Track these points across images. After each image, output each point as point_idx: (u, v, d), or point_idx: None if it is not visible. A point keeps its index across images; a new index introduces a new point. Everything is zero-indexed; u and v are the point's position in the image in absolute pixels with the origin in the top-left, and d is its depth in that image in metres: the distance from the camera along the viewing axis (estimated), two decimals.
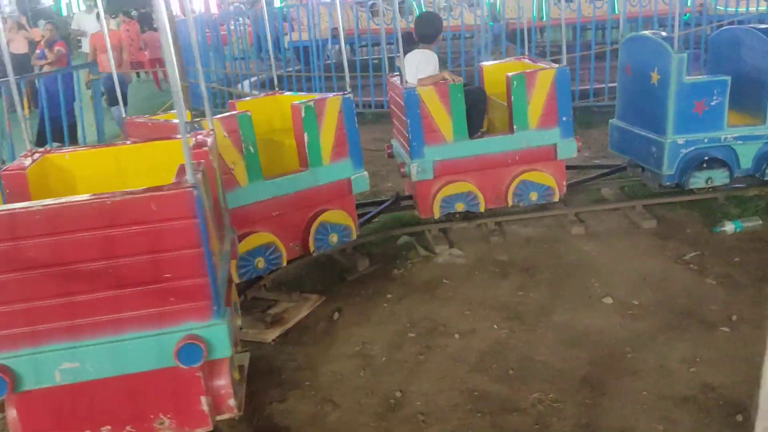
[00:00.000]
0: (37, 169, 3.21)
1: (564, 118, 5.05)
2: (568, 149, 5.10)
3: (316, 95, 4.68)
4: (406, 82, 4.93)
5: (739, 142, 5.23)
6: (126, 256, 2.58)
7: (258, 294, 4.42)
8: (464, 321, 4.03)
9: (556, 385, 3.36)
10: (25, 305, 2.55)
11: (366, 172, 4.71)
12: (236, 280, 4.14)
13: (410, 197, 5.55)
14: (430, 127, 4.88)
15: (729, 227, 4.90)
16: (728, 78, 5.11)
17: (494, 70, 5.77)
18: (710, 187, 5.35)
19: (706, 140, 5.19)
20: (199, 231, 2.61)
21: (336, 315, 4.20)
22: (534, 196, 5.15)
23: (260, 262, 4.28)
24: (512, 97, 4.96)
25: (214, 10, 12.35)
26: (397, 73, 5.28)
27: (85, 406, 2.75)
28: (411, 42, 5.18)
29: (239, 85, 9.97)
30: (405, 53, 5.06)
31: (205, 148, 3.16)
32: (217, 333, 2.72)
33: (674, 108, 5.09)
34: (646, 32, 5.65)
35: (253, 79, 9.84)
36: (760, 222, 4.95)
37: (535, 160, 5.10)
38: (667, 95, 5.09)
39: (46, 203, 2.52)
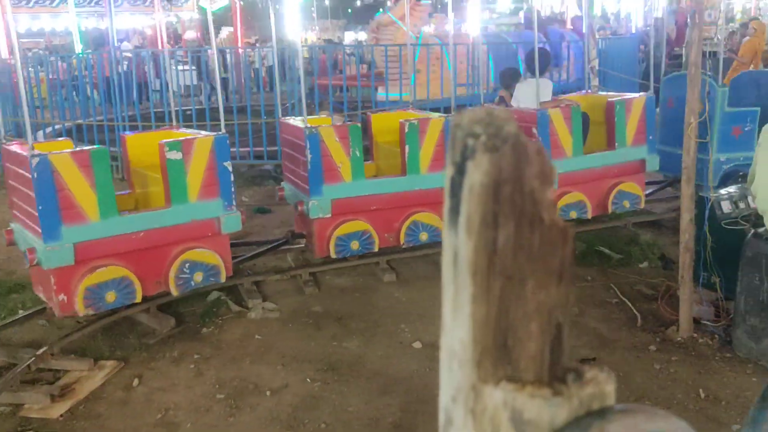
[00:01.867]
0: (134, 138, 5.24)
1: (650, 137, 6.15)
2: (653, 163, 6.19)
3: (422, 115, 5.67)
4: (540, 104, 5.67)
5: None
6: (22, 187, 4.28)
7: (45, 364, 3.96)
8: (277, 377, 3.90)
9: None
10: None
11: None
12: (333, 255, 5.13)
13: None
14: (556, 143, 5.60)
15: None
16: (758, 109, 6.40)
17: (579, 99, 6.54)
18: None
19: (741, 158, 6.27)
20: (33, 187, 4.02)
21: (136, 382, 3.86)
22: (627, 204, 5.93)
23: (355, 245, 5.15)
24: (615, 119, 5.87)
25: (5, 54, 11.30)
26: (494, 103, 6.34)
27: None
28: (516, 76, 6.27)
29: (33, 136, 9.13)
30: (508, 86, 6.20)
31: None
32: (43, 252, 4.05)
33: (718, 132, 6.25)
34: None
35: (48, 129, 9.08)
36: None
37: (628, 173, 5.98)
38: (712, 122, 6.08)
39: None
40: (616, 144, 5.94)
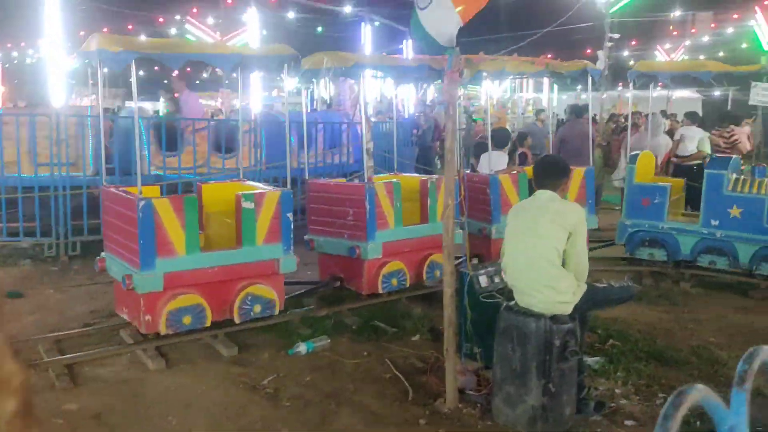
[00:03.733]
0: (209, 188, 6.17)
1: (590, 201, 7.44)
2: (592, 222, 7.31)
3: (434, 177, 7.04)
4: (491, 171, 7.23)
5: (675, 232, 7.39)
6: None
7: None
8: None
9: None
10: None
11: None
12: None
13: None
14: (506, 201, 6.85)
15: (302, 348, 5.22)
16: (670, 185, 7.58)
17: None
18: (654, 261, 7.51)
19: (646, 225, 7.50)
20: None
21: None
22: None
23: (394, 281, 6.30)
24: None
25: None
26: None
27: None
28: (484, 148, 7.57)
29: None
30: (479, 155, 7.99)
31: None
32: (139, 279, 4.87)
33: (627, 200, 7.75)
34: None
35: None
36: (329, 340, 5.40)
37: None
38: (625, 192, 7.82)
39: None
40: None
